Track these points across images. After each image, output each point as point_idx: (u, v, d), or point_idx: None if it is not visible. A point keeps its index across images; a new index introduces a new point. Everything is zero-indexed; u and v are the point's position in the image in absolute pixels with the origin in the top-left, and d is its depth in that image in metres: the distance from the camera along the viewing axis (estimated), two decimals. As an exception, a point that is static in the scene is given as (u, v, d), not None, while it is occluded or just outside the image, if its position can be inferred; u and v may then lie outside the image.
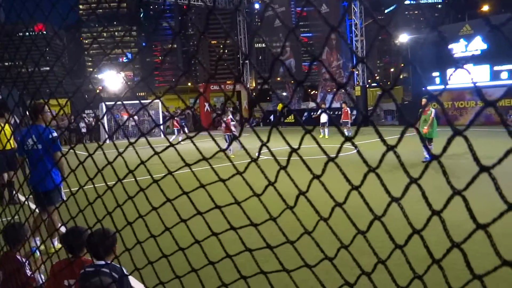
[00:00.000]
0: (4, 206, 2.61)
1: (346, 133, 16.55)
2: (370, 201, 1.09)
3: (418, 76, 23.19)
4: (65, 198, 5.31)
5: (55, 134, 5.43)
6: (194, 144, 1.46)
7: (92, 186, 1.74)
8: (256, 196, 1.33)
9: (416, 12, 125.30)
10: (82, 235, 2.70)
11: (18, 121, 2.92)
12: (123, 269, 2.45)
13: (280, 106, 27.86)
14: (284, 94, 33.32)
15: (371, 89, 28.99)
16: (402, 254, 1.03)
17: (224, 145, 13.68)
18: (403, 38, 32.61)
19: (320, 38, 30.41)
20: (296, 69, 31.66)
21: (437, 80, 22.08)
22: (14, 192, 6.50)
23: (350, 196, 1.11)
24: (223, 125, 15.16)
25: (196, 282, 1.55)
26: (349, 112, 18.98)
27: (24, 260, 3.14)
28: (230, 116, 15.75)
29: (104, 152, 1.74)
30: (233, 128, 14.81)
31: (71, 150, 1.92)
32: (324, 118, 18.51)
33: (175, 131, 20.91)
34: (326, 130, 18.52)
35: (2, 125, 5.38)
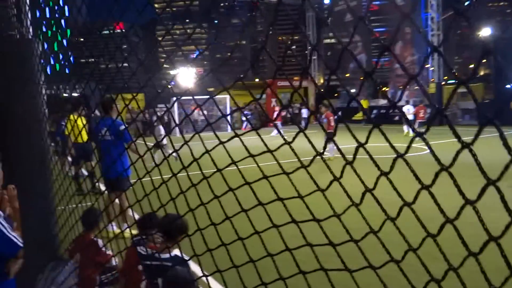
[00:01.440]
0: (85, 193, 2.81)
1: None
2: (441, 203, 1.02)
3: (501, 72, 21.46)
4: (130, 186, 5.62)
5: (122, 127, 5.92)
6: (262, 139, 1.46)
7: (160, 176, 1.82)
8: (320, 191, 1.30)
9: (502, 3, 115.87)
10: (154, 219, 2.83)
11: (97, 113, 3.15)
12: (185, 258, 2.52)
13: (365, 103, 26.90)
14: (353, 91, 32.53)
15: (447, 86, 27.29)
16: (476, 262, 0.96)
17: (328, 146, 11.79)
18: (486, 31, 30.34)
19: (392, 33, 29.24)
20: (367, 65, 30.73)
21: (523, 77, 20.27)
22: (95, 180, 6.99)
23: (420, 196, 1.05)
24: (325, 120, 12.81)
25: (254, 273, 1.56)
26: (425, 110, 17.63)
27: (100, 241, 3.41)
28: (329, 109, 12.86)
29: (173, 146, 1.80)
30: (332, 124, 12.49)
31: (141, 142, 2.01)
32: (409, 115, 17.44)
33: (279, 124, 18.16)
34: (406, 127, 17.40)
35: (75, 118, 5.85)
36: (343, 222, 1.28)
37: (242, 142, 1.56)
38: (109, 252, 3.40)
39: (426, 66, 26.67)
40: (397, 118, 24.36)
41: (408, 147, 1.03)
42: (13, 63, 3.53)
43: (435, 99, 23.49)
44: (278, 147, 1.40)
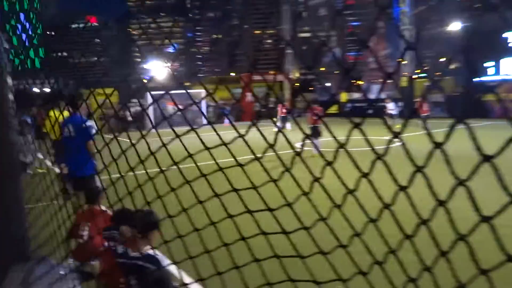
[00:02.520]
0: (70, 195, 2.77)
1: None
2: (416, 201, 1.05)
3: (470, 66, 22.07)
4: (101, 185, 5.53)
5: (88, 123, 5.72)
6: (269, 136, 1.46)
7: (133, 174, 1.80)
8: (304, 194, 1.31)
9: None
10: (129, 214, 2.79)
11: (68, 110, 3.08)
12: (161, 258, 2.50)
13: (344, 96, 26.94)
14: (328, 84, 32.79)
15: (418, 80, 27.91)
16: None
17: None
18: (455, 26, 31.08)
19: (366, 27, 29.60)
20: (341, 59, 31.01)
21: (491, 71, 20.93)
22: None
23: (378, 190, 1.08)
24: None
25: (234, 274, 1.56)
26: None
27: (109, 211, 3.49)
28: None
29: (147, 141, 1.78)
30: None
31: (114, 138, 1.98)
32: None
33: (280, 118, 17.16)
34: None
35: (57, 114, 5.68)
36: (329, 224, 1.30)
37: (221, 138, 1.55)
38: None
39: (398, 59, 27.14)
40: (371, 111, 24.75)
41: (386, 148, 1.05)
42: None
43: (406, 93, 23.98)
44: (231, 141, 1.42)
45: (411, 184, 1.00)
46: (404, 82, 24.34)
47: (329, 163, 1.21)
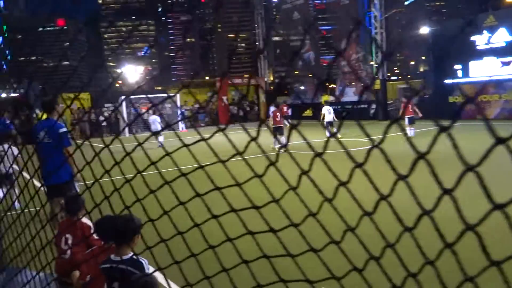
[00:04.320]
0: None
1: (409, 132, 14.87)
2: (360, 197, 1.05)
3: (439, 69, 22.69)
4: (78, 191, 5.38)
5: (64, 129, 5.56)
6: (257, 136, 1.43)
7: (109, 179, 1.74)
8: (292, 189, 1.29)
9: (438, 3, 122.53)
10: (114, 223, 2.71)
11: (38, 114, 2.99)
12: (144, 262, 2.45)
13: (325, 98, 26.94)
14: (302, 88, 33.09)
15: (390, 82, 28.55)
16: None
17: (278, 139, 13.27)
18: (424, 30, 31.96)
19: (339, 31, 30.06)
20: (315, 62, 31.41)
21: (459, 73, 21.57)
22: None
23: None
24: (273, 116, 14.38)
25: (223, 278, 1.52)
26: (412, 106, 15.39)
27: (91, 224, 3.40)
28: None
29: (123, 145, 1.73)
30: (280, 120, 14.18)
31: (86, 143, 1.92)
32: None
33: (285, 122, 17.00)
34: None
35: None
36: (320, 221, 1.29)
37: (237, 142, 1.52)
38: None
39: (370, 62, 27.68)
40: (345, 114, 25.11)
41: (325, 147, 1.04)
42: None
43: (380, 95, 24.46)
44: (194, 143, 1.40)
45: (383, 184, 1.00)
46: (377, 84, 24.81)
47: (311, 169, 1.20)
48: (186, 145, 1.42)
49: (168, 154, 1.46)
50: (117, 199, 1.76)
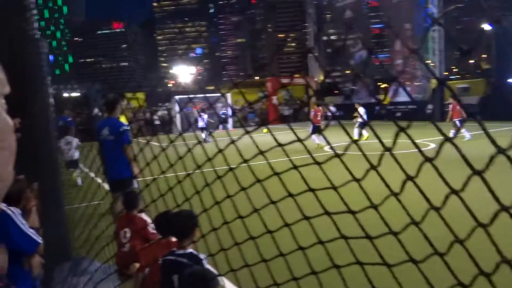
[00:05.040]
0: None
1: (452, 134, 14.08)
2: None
3: (502, 67, 21.38)
4: (137, 187, 5.59)
5: (124, 127, 5.77)
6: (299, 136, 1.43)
7: (163, 176, 1.80)
8: (333, 188, 1.28)
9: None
10: (172, 218, 2.81)
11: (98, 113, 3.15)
12: (203, 258, 2.52)
13: (386, 99, 26.32)
14: (354, 87, 32.43)
15: (449, 82, 27.18)
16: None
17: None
18: (486, 26, 30.24)
19: (393, 29, 29.11)
20: (368, 62, 30.65)
21: (525, 72, 20.21)
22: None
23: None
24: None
25: (266, 273, 1.53)
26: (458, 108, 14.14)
27: (148, 219, 3.56)
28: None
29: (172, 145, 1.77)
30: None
31: (143, 141, 1.99)
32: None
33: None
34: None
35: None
36: (357, 218, 1.26)
37: (253, 140, 1.53)
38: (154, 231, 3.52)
39: (427, 61, 26.57)
40: (399, 114, 24.35)
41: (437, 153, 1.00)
42: (23, 63, 3.54)
43: (437, 95, 23.42)
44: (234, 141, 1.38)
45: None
46: (433, 84, 23.78)
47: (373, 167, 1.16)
48: (235, 141, 1.43)
49: (220, 151, 1.49)
50: (171, 195, 1.82)
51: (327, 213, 1.32)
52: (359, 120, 15.66)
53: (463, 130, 13.93)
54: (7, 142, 0.54)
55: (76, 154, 9.75)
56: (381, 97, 26.32)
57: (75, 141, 9.79)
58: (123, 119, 6.17)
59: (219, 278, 1.73)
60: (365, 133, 15.78)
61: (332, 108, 27.97)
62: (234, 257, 1.67)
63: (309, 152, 1.28)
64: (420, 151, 1.02)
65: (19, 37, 3.64)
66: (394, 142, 1.10)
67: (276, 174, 1.42)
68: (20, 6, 3.66)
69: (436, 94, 23.43)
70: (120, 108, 5.82)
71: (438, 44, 24.29)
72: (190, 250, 2.61)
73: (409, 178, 1.08)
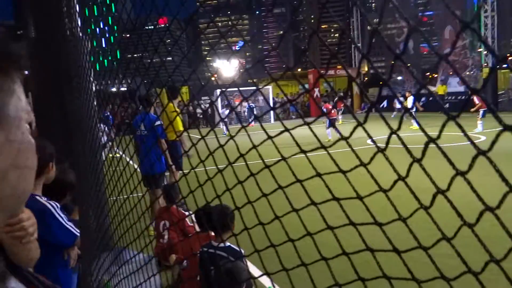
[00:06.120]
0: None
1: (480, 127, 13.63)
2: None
3: None
4: (167, 183, 5.65)
5: (159, 122, 5.82)
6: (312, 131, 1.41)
7: (204, 169, 1.81)
8: (382, 191, 1.23)
9: None
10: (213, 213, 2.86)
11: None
12: (242, 251, 2.53)
13: (443, 88, 25.33)
14: (399, 78, 31.41)
15: (502, 70, 25.68)
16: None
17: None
18: (545, 11, 28.18)
19: (442, 16, 27.88)
20: (414, 51, 29.62)
21: None
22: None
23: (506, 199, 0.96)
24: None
25: (304, 272, 1.51)
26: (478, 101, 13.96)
27: (187, 212, 3.68)
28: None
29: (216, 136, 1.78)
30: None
31: (185, 134, 2.01)
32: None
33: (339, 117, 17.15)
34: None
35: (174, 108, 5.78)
36: (410, 226, 1.21)
37: (292, 135, 1.51)
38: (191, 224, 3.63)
39: (479, 50, 25.27)
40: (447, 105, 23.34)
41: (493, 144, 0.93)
42: (65, 62, 3.68)
43: (488, 84, 22.23)
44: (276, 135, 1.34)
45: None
46: (485, 73, 22.59)
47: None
48: (270, 136, 1.41)
49: (254, 147, 1.47)
50: (211, 189, 1.82)
51: (377, 224, 1.27)
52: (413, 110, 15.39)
53: (479, 122, 13.27)
54: (30, 160, 0.62)
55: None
56: (436, 88, 25.21)
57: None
58: (170, 108, 6.13)
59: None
60: (415, 123, 15.41)
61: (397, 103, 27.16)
62: (268, 255, 1.66)
63: (352, 150, 1.24)
64: (472, 143, 0.95)
65: (63, 36, 3.78)
66: (440, 132, 1.04)
67: (319, 175, 1.39)
68: (64, 5, 3.79)
69: (489, 84, 22.25)
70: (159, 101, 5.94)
71: (491, 32, 23.00)
72: (228, 243, 2.63)
73: (460, 173, 1.02)
